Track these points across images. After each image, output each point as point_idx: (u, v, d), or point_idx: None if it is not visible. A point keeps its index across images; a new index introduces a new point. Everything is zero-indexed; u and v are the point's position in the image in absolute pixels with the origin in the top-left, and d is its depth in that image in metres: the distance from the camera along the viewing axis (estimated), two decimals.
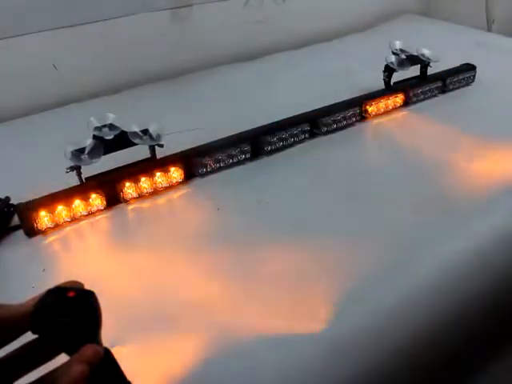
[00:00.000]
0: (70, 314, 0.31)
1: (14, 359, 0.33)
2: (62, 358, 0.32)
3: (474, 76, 1.05)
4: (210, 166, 0.78)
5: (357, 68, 1.12)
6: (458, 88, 1.03)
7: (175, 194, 0.75)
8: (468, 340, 0.63)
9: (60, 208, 0.68)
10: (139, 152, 0.74)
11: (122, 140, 0.71)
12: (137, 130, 0.72)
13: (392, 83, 0.95)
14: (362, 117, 0.92)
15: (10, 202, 0.70)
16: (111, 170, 0.73)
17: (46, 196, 0.68)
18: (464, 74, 1.03)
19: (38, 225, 0.67)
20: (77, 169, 0.69)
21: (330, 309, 0.54)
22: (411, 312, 0.56)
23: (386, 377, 0.53)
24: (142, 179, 0.73)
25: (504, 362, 0.70)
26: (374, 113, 0.93)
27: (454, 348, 0.61)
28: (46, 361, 0.34)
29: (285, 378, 0.48)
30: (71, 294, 0.32)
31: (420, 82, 0.98)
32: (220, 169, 0.79)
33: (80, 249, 0.66)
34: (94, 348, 0.31)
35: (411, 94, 0.97)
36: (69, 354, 0.31)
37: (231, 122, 0.84)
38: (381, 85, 0.95)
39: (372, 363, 0.52)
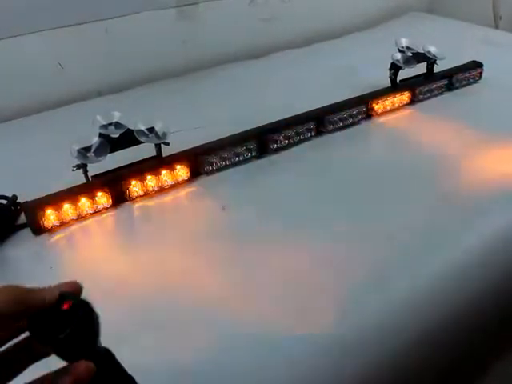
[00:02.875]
0: (66, 328, 0.30)
1: (13, 354, 0.33)
2: None
3: (481, 73, 1.04)
4: (216, 164, 0.78)
5: (363, 66, 1.12)
6: (464, 85, 1.03)
7: (181, 192, 0.75)
8: (473, 339, 0.62)
9: (66, 206, 0.68)
10: (145, 150, 0.74)
11: (128, 138, 0.71)
12: (143, 128, 0.72)
13: (398, 81, 0.94)
14: (368, 115, 0.92)
15: (17, 201, 0.71)
16: (117, 168, 0.73)
17: (52, 194, 0.68)
18: (470, 71, 1.02)
19: (45, 223, 0.67)
20: (83, 167, 0.69)
21: (335, 308, 0.54)
22: (417, 311, 0.56)
23: (392, 376, 0.53)
24: (148, 177, 0.73)
25: (509, 362, 0.70)
26: (380, 111, 0.93)
27: (460, 347, 0.61)
28: (45, 356, 0.34)
29: (290, 378, 0.48)
30: (65, 306, 0.31)
31: (426, 80, 0.97)
32: (226, 167, 0.79)
33: (86, 247, 0.66)
34: (87, 365, 0.31)
35: (418, 92, 0.96)
36: (68, 361, 0.31)
37: (237, 120, 0.84)
38: (387, 83, 0.95)
39: (378, 363, 0.52)
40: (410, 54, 0.94)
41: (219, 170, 0.79)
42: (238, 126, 0.82)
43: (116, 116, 0.71)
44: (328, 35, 1.34)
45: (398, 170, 0.78)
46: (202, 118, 0.93)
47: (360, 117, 0.91)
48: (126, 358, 0.34)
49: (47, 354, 0.34)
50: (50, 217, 0.67)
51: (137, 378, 0.35)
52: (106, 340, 0.33)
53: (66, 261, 0.63)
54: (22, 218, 0.69)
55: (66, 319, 0.31)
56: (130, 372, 0.35)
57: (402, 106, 0.96)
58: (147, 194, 0.74)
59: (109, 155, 0.69)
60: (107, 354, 0.33)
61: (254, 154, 0.81)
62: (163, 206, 0.73)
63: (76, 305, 0.32)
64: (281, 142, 0.83)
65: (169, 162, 0.74)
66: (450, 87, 1.01)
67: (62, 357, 0.32)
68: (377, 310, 0.55)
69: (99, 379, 0.31)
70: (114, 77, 1.10)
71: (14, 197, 0.71)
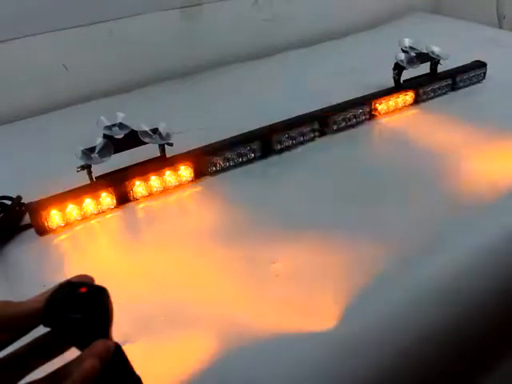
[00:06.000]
0: (82, 309, 0.31)
1: (27, 353, 0.33)
2: (74, 352, 0.32)
3: (485, 73, 1.04)
4: (220, 164, 0.78)
5: (366, 66, 1.11)
6: (468, 85, 1.02)
7: (185, 193, 0.75)
8: (480, 339, 0.62)
9: (71, 207, 0.68)
10: (149, 151, 0.74)
11: (132, 139, 0.71)
12: (147, 128, 0.72)
13: (402, 81, 0.94)
14: (372, 115, 0.92)
15: (22, 201, 0.71)
16: (121, 168, 0.73)
17: (56, 195, 0.68)
18: (474, 71, 1.02)
19: (49, 223, 0.67)
20: (87, 168, 0.69)
21: (341, 307, 0.54)
22: (422, 310, 0.56)
23: (398, 375, 0.53)
24: (152, 178, 0.73)
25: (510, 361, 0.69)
26: (383, 111, 0.92)
27: (466, 346, 0.60)
28: (58, 354, 0.34)
29: (297, 377, 0.48)
30: (83, 289, 0.32)
31: (430, 80, 0.97)
32: (230, 167, 0.79)
33: (90, 247, 0.66)
34: (105, 343, 0.31)
35: (421, 92, 0.96)
36: (80, 348, 0.32)
37: (241, 121, 0.84)
38: (390, 83, 0.94)
39: (383, 361, 0.52)
40: (413, 54, 0.94)
41: (223, 170, 0.79)
42: (242, 126, 0.82)
43: (120, 117, 0.71)
44: (331, 35, 1.34)
45: (402, 170, 0.78)
46: (206, 118, 0.93)
47: (364, 117, 0.90)
48: (130, 358, 0.35)
49: (62, 351, 0.34)
50: (55, 217, 0.67)
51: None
52: None
53: (70, 261, 0.64)
54: (27, 219, 0.69)
55: (83, 302, 0.31)
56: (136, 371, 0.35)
57: (406, 106, 0.96)
58: (151, 195, 0.74)
59: (113, 156, 0.69)
60: (118, 349, 0.33)
61: (257, 155, 0.81)
62: (167, 207, 0.73)
63: (93, 288, 0.33)
64: (284, 142, 0.83)
65: (172, 163, 0.75)
66: (454, 87, 1.01)
67: (76, 342, 0.32)
68: (378, 309, 0.55)
69: (107, 374, 0.31)
70: (118, 78, 1.10)
71: (19, 197, 0.71)
